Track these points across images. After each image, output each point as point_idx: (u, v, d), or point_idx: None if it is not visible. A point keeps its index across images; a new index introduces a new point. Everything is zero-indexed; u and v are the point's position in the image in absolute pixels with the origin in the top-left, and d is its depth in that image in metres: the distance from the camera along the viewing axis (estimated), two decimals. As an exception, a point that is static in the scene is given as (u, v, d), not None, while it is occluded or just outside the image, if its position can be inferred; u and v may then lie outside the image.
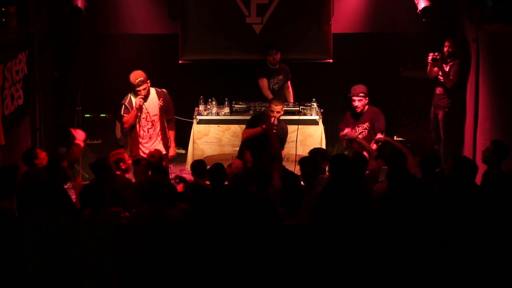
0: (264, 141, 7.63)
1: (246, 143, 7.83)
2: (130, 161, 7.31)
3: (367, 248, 5.46)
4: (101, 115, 9.98)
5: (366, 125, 8.04)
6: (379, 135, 7.90)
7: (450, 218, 5.54)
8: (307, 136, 8.78)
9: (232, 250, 5.52)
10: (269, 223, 5.50)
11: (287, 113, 8.81)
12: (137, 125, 8.07)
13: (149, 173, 7.16)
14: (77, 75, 10.01)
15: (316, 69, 10.09)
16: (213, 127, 8.90)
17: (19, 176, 6.19)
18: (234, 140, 8.77)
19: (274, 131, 7.76)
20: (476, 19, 8.68)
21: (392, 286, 5.43)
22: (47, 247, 5.41)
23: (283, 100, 8.34)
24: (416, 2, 9.13)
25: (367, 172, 6.73)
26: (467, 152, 8.91)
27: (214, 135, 8.88)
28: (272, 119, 7.77)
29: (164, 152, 7.97)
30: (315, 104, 8.95)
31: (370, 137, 7.99)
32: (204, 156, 8.76)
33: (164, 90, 8.22)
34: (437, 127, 9.32)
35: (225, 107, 9.00)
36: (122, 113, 8.07)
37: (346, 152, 9.92)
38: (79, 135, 7.63)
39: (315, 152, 6.93)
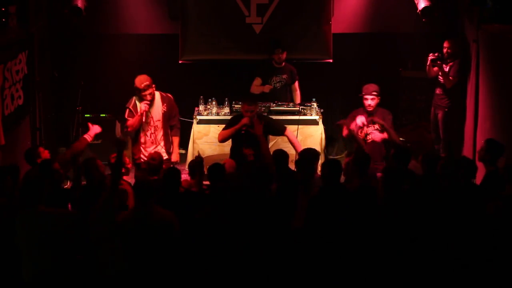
0: (248, 138, 7.68)
1: (236, 142, 7.88)
2: (130, 165, 7.30)
3: (362, 253, 5.45)
4: (101, 115, 9.98)
5: (376, 125, 8.01)
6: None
7: (447, 218, 5.55)
8: (307, 136, 8.78)
9: (234, 252, 5.52)
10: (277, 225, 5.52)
11: (287, 113, 8.82)
12: (141, 129, 8.07)
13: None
14: (77, 75, 10.01)
15: (316, 69, 10.09)
16: (213, 127, 8.90)
17: (20, 175, 6.19)
18: (234, 140, 8.77)
19: (260, 126, 7.75)
20: (476, 19, 8.69)
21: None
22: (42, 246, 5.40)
23: (256, 99, 8.33)
24: (416, 2, 9.13)
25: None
26: (467, 152, 8.92)
27: (214, 135, 8.87)
28: (245, 120, 7.77)
29: (166, 157, 7.99)
30: (315, 104, 8.95)
31: (380, 136, 7.95)
32: (204, 156, 8.75)
33: (169, 95, 8.21)
34: (437, 127, 9.32)
35: (225, 107, 9.00)
36: (126, 116, 8.08)
37: (346, 152, 9.97)
38: (92, 130, 7.54)
39: (307, 152, 6.89)
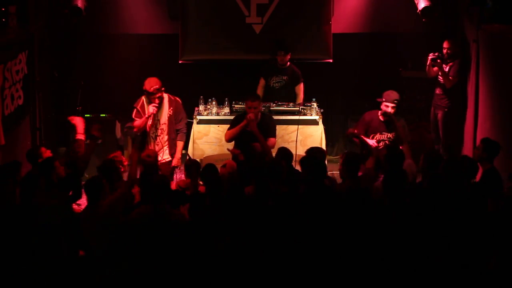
0: (251, 138, 7.72)
1: (238, 142, 7.91)
2: (126, 163, 7.31)
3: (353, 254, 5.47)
4: (101, 115, 9.98)
5: (391, 135, 8.02)
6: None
7: (448, 218, 5.55)
8: (307, 136, 8.77)
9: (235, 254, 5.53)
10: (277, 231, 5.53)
11: (287, 113, 8.82)
12: (147, 131, 8.09)
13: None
14: (77, 75, 10.00)
15: (316, 69, 10.09)
16: (213, 127, 8.90)
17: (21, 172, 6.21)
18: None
19: (254, 124, 7.77)
20: (476, 19, 8.69)
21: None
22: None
23: (259, 96, 8.35)
24: (416, 2, 9.14)
25: (363, 171, 6.75)
26: (467, 152, 8.91)
27: (214, 135, 8.88)
28: (250, 115, 7.81)
29: (169, 159, 8.01)
30: (315, 104, 8.94)
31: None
32: (204, 156, 8.76)
33: (177, 99, 8.20)
34: (437, 127, 9.33)
35: (225, 107, 9.00)
36: (133, 116, 8.10)
37: (345, 152, 9.97)
38: (79, 125, 7.40)
39: (313, 151, 6.92)
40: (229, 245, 5.46)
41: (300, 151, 8.38)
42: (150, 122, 8.02)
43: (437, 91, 9.25)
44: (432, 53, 9.02)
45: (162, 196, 5.65)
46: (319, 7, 9.90)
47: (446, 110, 9.19)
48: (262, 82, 9.40)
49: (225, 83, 10.12)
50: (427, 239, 5.45)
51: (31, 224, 5.53)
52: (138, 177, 6.90)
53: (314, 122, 8.85)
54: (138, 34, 10.25)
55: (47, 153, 6.99)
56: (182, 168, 9.24)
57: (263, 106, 8.78)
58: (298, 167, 6.93)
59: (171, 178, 8.02)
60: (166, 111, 8.09)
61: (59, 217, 5.58)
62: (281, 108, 8.91)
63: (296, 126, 8.55)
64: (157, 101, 7.94)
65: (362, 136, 7.84)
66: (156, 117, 8.04)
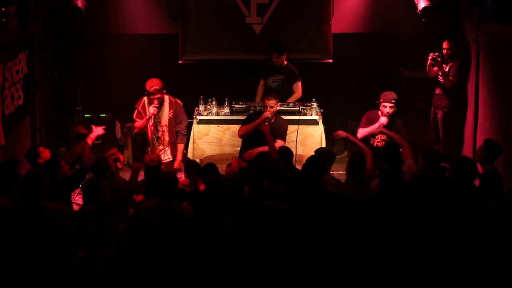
0: (260, 138, 7.72)
1: (247, 141, 7.90)
2: (120, 165, 7.32)
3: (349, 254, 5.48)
4: (101, 115, 9.99)
5: (393, 133, 8.01)
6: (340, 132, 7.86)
7: (448, 217, 5.55)
8: (307, 136, 8.78)
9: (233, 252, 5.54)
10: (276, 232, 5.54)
11: (287, 113, 8.82)
12: (149, 133, 8.08)
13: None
14: (77, 75, 10.00)
15: (316, 69, 10.09)
16: (213, 127, 8.90)
17: (19, 170, 6.20)
18: (234, 140, 8.76)
19: (267, 124, 7.77)
20: (476, 19, 8.69)
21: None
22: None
23: (277, 96, 8.35)
24: (416, 2, 9.13)
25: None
26: (466, 152, 8.92)
27: (214, 135, 8.89)
28: (266, 113, 7.82)
29: (170, 159, 8.01)
30: (315, 104, 8.95)
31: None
32: (204, 156, 8.77)
33: (178, 101, 8.20)
34: (437, 127, 9.32)
35: (225, 107, 9.00)
36: (134, 117, 8.12)
37: (346, 152, 9.99)
38: (96, 132, 7.50)
39: (321, 152, 6.94)
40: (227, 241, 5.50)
41: (300, 151, 8.39)
42: (151, 123, 8.02)
43: (437, 91, 9.25)
44: (432, 53, 9.02)
45: (170, 191, 5.72)
46: (319, 7, 9.90)
47: (446, 110, 9.18)
48: (262, 82, 9.47)
49: (225, 83, 10.12)
50: (426, 239, 5.46)
51: (34, 224, 5.52)
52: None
53: (314, 122, 8.85)
54: (138, 34, 10.24)
55: (45, 152, 7.00)
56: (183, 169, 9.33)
57: (264, 106, 8.78)
58: (298, 166, 6.93)
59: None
60: (166, 113, 8.09)
61: (61, 217, 5.58)
62: (281, 108, 8.89)
63: (296, 126, 8.55)
64: (156, 102, 7.93)
65: (351, 138, 7.78)
66: (156, 118, 8.04)
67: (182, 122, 8.21)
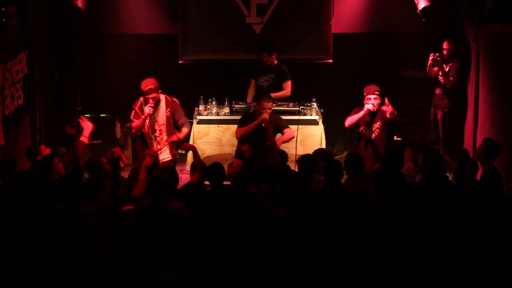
0: (260, 137, 7.71)
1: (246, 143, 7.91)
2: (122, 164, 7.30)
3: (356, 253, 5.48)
4: (101, 115, 9.98)
5: (378, 124, 8.02)
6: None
7: (448, 217, 5.56)
8: (307, 136, 8.78)
9: (231, 250, 5.54)
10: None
11: (287, 113, 8.82)
12: (146, 133, 8.08)
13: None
14: (77, 75, 10.00)
15: (316, 69, 10.09)
16: (213, 127, 8.90)
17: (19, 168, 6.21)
18: (234, 140, 8.75)
19: (270, 126, 7.77)
20: (476, 19, 8.69)
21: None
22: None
23: (271, 96, 8.35)
24: (416, 2, 9.14)
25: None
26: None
27: (214, 135, 8.89)
28: (265, 115, 7.80)
29: (169, 158, 8.00)
30: (315, 104, 8.95)
31: (381, 136, 7.96)
32: (204, 156, 8.76)
33: (175, 99, 8.18)
34: (437, 127, 9.33)
35: (225, 107, 9.00)
36: (131, 117, 8.11)
37: (346, 152, 9.98)
38: (87, 129, 7.41)
39: (317, 153, 6.93)
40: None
41: (300, 151, 8.39)
42: (147, 122, 8.02)
43: (437, 91, 9.25)
44: (432, 54, 9.02)
45: (161, 189, 5.68)
46: (319, 7, 9.89)
47: (446, 110, 9.19)
48: (253, 83, 9.40)
49: (225, 83, 10.13)
50: (426, 239, 5.46)
51: (34, 225, 5.54)
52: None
53: (314, 122, 8.85)
54: (138, 34, 10.24)
55: (46, 150, 6.99)
56: (182, 167, 9.33)
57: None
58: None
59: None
60: (163, 112, 8.08)
61: (60, 216, 5.60)
62: (281, 108, 8.91)
63: (296, 126, 8.55)
64: (151, 101, 7.93)
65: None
66: (153, 118, 8.04)
67: (182, 116, 8.18)
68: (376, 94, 7.96)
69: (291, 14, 9.90)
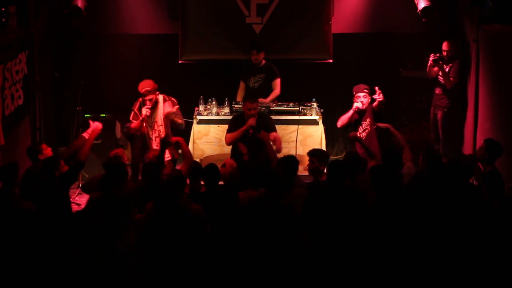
0: (253, 142, 7.69)
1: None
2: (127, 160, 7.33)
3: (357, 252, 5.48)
4: (101, 115, 9.96)
5: (368, 121, 8.04)
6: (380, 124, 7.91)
7: (448, 217, 5.56)
8: (307, 136, 8.78)
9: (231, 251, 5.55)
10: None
11: (287, 113, 8.82)
12: (145, 133, 8.08)
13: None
14: (77, 75, 10.00)
15: (316, 69, 10.09)
16: (213, 127, 8.90)
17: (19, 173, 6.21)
18: (234, 140, 8.76)
19: (266, 133, 7.73)
20: (476, 19, 8.68)
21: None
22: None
23: (256, 97, 8.34)
24: (416, 2, 9.14)
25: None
26: (467, 152, 8.91)
27: (214, 135, 8.89)
28: (251, 121, 7.76)
29: (169, 158, 8.01)
30: (315, 104, 8.95)
31: (372, 134, 7.99)
32: (204, 156, 8.77)
33: (173, 99, 8.18)
34: (436, 127, 9.34)
35: (225, 107, 9.01)
36: (131, 118, 8.13)
37: (345, 152, 9.97)
38: (92, 127, 7.42)
39: (312, 153, 6.90)
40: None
41: (300, 151, 8.40)
42: (145, 124, 8.03)
43: (437, 91, 9.25)
44: (433, 54, 9.02)
45: (180, 191, 5.68)
46: (319, 7, 9.89)
47: (446, 110, 9.19)
48: (242, 85, 9.42)
49: (225, 83, 10.12)
50: (425, 239, 5.46)
51: (31, 224, 5.54)
52: None
53: (314, 122, 8.86)
54: (138, 34, 10.24)
55: (47, 150, 6.99)
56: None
57: (263, 107, 8.79)
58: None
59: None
60: (161, 113, 8.08)
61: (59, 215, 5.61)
62: (281, 108, 8.92)
63: (296, 126, 8.56)
64: (148, 103, 7.93)
65: (393, 130, 7.81)
66: (151, 119, 8.04)
67: (178, 114, 8.14)
68: (365, 92, 8.05)
69: (291, 14, 9.90)
